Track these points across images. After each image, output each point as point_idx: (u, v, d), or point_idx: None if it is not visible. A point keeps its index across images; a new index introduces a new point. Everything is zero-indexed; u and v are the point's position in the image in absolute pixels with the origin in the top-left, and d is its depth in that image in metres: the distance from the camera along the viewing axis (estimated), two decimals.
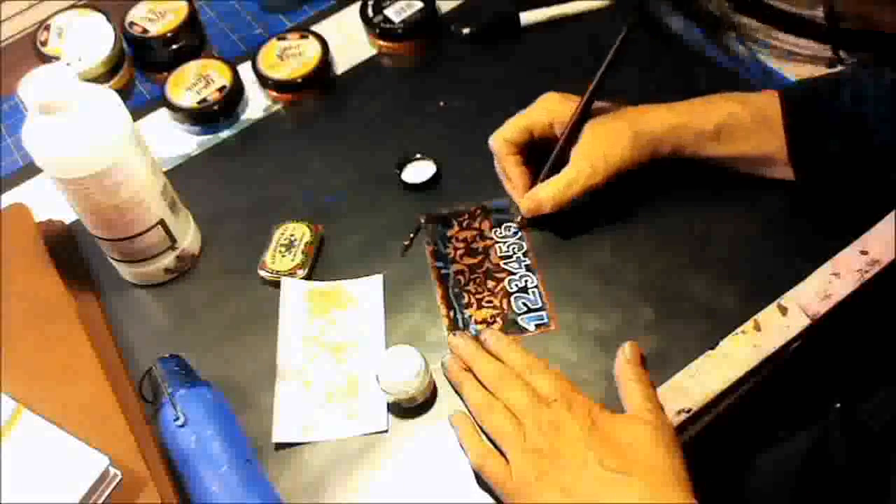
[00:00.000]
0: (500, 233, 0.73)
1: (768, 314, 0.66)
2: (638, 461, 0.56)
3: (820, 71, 0.66)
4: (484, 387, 0.63)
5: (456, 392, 0.65)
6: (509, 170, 0.72)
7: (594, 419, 0.58)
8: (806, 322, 0.65)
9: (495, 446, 0.60)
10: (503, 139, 0.72)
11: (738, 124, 0.68)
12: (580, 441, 0.57)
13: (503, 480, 0.58)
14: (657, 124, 0.68)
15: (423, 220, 0.75)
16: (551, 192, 0.69)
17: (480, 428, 0.62)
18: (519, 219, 0.73)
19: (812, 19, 0.44)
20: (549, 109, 0.71)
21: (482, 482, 0.60)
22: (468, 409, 0.63)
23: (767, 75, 0.78)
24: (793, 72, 0.77)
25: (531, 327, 0.68)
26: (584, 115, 0.69)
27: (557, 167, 0.70)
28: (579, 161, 0.69)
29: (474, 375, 0.64)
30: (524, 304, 0.69)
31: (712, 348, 0.65)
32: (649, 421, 0.58)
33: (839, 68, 0.67)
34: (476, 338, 0.67)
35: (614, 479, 0.55)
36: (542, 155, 0.72)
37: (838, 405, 0.66)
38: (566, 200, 0.69)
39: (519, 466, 0.58)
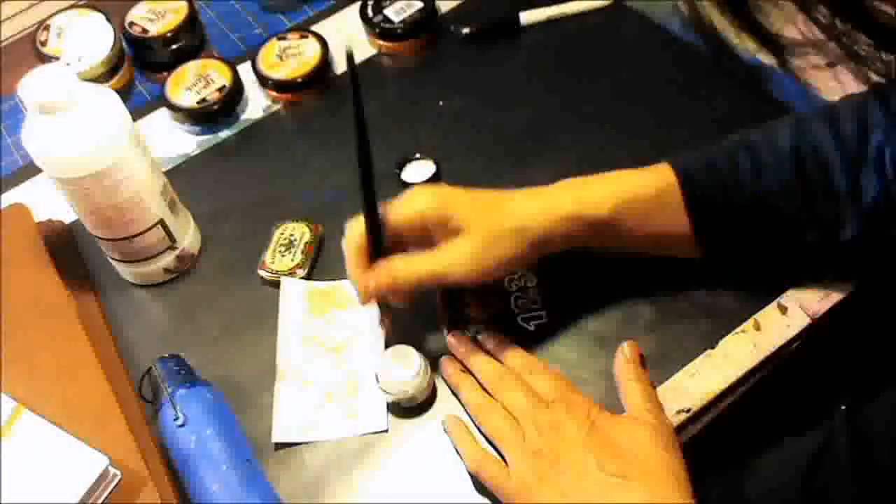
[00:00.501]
0: None
1: (768, 314, 0.66)
2: (637, 463, 0.56)
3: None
4: (482, 387, 0.63)
5: (453, 393, 0.65)
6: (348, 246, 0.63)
7: (593, 420, 0.58)
8: (806, 321, 0.65)
9: (494, 448, 0.60)
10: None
11: (634, 205, 0.61)
12: (579, 443, 0.57)
13: (502, 483, 0.58)
14: (542, 219, 0.61)
15: None
16: (417, 264, 0.61)
17: (479, 429, 0.62)
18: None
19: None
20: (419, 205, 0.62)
21: (480, 486, 0.60)
22: (466, 411, 0.63)
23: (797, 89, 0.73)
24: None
25: (531, 327, 0.68)
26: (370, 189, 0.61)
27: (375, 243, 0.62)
28: (460, 248, 0.60)
29: (473, 376, 0.64)
30: (524, 304, 0.69)
31: (712, 348, 0.65)
32: (649, 422, 0.58)
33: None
34: (475, 338, 0.67)
35: (614, 483, 0.55)
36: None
37: (844, 408, 0.66)
38: (425, 280, 0.61)
39: (518, 468, 0.58)
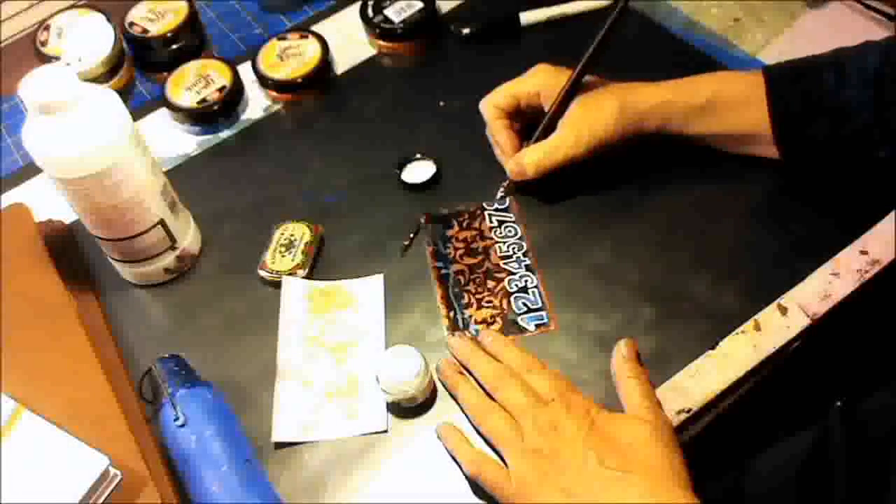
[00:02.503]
0: (500, 233, 0.73)
1: (768, 314, 0.66)
2: (638, 460, 0.56)
3: None
4: (482, 388, 0.63)
5: (450, 394, 0.65)
6: (497, 134, 0.74)
7: (593, 419, 0.58)
8: (806, 322, 0.65)
9: (493, 449, 0.60)
10: (491, 104, 0.75)
11: (724, 100, 0.69)
12: (579, 441, 0.57)
13: (502, 485, 0.58)
14: (644, 99, 0.70)
15: (423, 220, 0.75)
16: (536, 156, 0.71)
17: (477, 431, 0.62)
18: (506, 183, 0.74)
19: None
20: (539, 79, 0.74)
21: (480, 491, 0.60)
22: (464, 412, 0.63)
23: None
24: None
25: (531, 327, 0.68)
26: (575, 88, 0.71)
27: (546, 136, 0.72)
28: (565, 130, 0.71)
29: (472, 376, 0.64)
30: (524, 304, 0.69)
31: (712, 348, 0.65)
32: (648, 420, 0.58)
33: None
34: (475, 339, 0.67)
35: (615, 477, 0.55)
36: (534, 125, 0.73)
37: (839, 404, 0.66)
38: (550, 166, 0.71)
39: (518, 468, 0.58)
